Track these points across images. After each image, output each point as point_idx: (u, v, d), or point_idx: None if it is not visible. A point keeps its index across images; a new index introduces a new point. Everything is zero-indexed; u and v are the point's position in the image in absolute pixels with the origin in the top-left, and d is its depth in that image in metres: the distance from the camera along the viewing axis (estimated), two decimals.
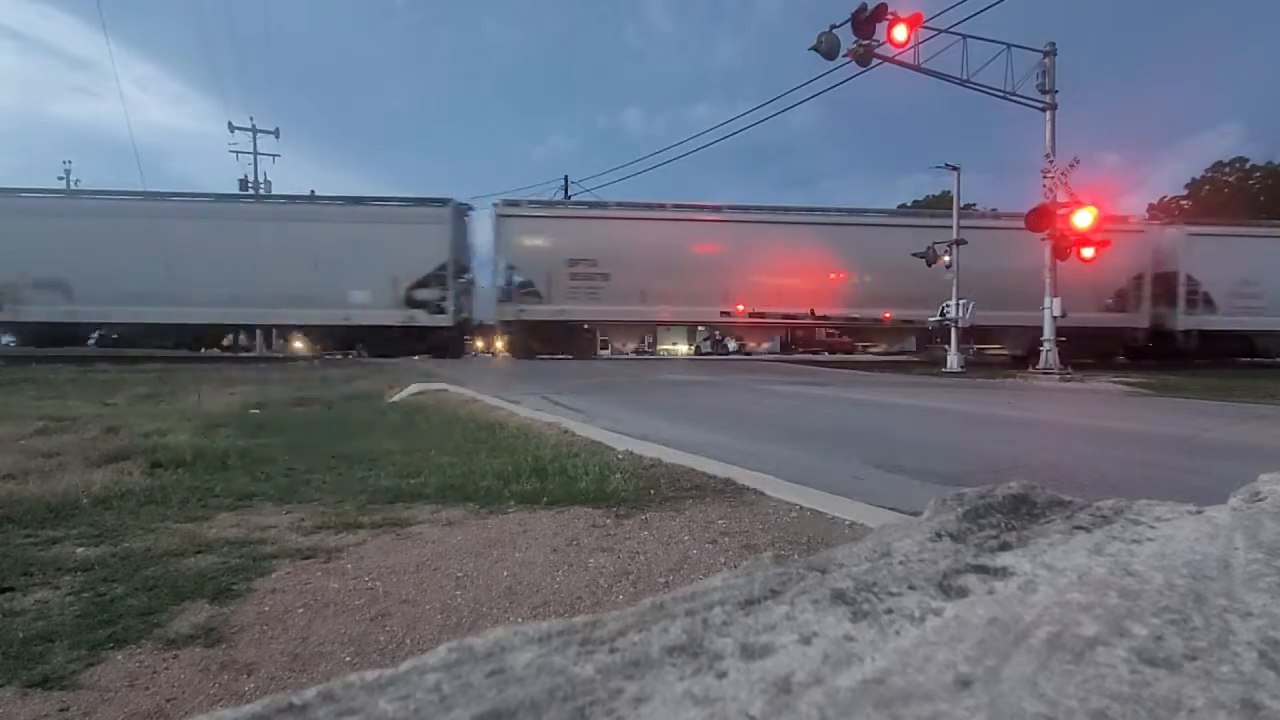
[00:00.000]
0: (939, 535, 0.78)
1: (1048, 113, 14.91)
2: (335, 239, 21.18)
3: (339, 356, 21.93)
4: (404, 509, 3.21)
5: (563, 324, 22.32)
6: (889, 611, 0.59)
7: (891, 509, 2.95)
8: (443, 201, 22.40)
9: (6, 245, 20.05)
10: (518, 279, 22.16)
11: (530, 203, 24.23)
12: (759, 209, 24.14)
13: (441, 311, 21.85)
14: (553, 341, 22.43)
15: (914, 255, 20.04)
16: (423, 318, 21.71)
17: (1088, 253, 14.68)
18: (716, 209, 24.06)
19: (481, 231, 23.30)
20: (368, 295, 21.44)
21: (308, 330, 23.67)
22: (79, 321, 21.98)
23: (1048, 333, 15.06)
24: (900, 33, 13.00)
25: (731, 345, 32.78)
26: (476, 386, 9.22)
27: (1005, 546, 0.76)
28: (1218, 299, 23.87)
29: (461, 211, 22.92)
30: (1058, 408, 8.90)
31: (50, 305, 20.70)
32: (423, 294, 21.81)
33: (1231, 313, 23.93)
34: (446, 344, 22.28)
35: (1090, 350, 21.11)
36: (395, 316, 21.60)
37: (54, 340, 21.94)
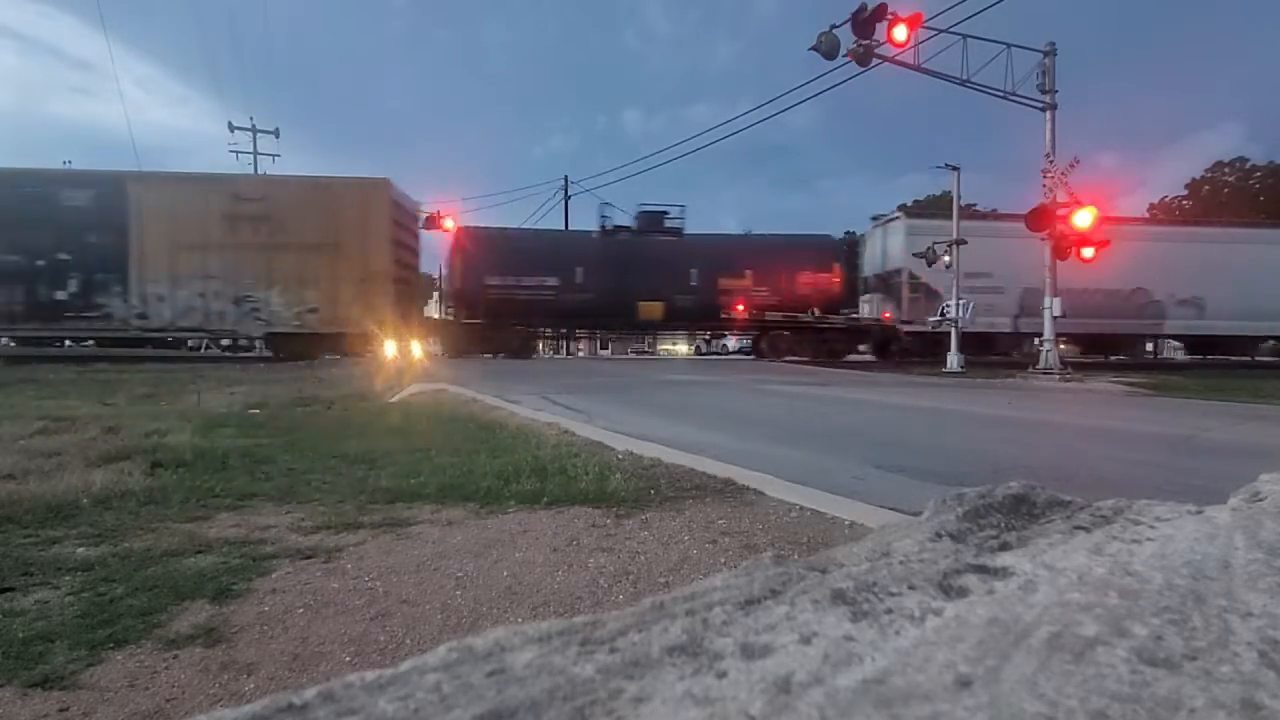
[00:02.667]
0: (939, 535, 0.78)
1: (1048, 113, 14.90)
2: None
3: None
4: (404, 509, 3.21)
5: None
6: (889, 611, 0.59)
7: (891, 509, 2.95)
8: None
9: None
10: None
11: None
12: None
13: None
14: None
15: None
16: None
17: (1088, 252, 14.67)
18: None
19: None
20: None
21: None
22: (1215, 335, 24.54)
23: (1048, 333, 15.06)
24: (900, 33, 12.99)
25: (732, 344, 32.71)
26: (476, 386, 9.22)
27: (1005, 546, 0.76)
28: None
29: None
30: (1057, 408, 8.90)
31: (1188, 320, 23.46)
32: None
33: None
34: None
35: None
36: None
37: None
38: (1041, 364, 14.97)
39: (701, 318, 22.83)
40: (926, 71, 14.12)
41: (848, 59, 13.39)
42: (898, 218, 23.29)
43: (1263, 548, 0.72)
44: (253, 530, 2.89)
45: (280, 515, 3.12)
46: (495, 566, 2.47)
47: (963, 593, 0.64)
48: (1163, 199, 47.29)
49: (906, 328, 21.60)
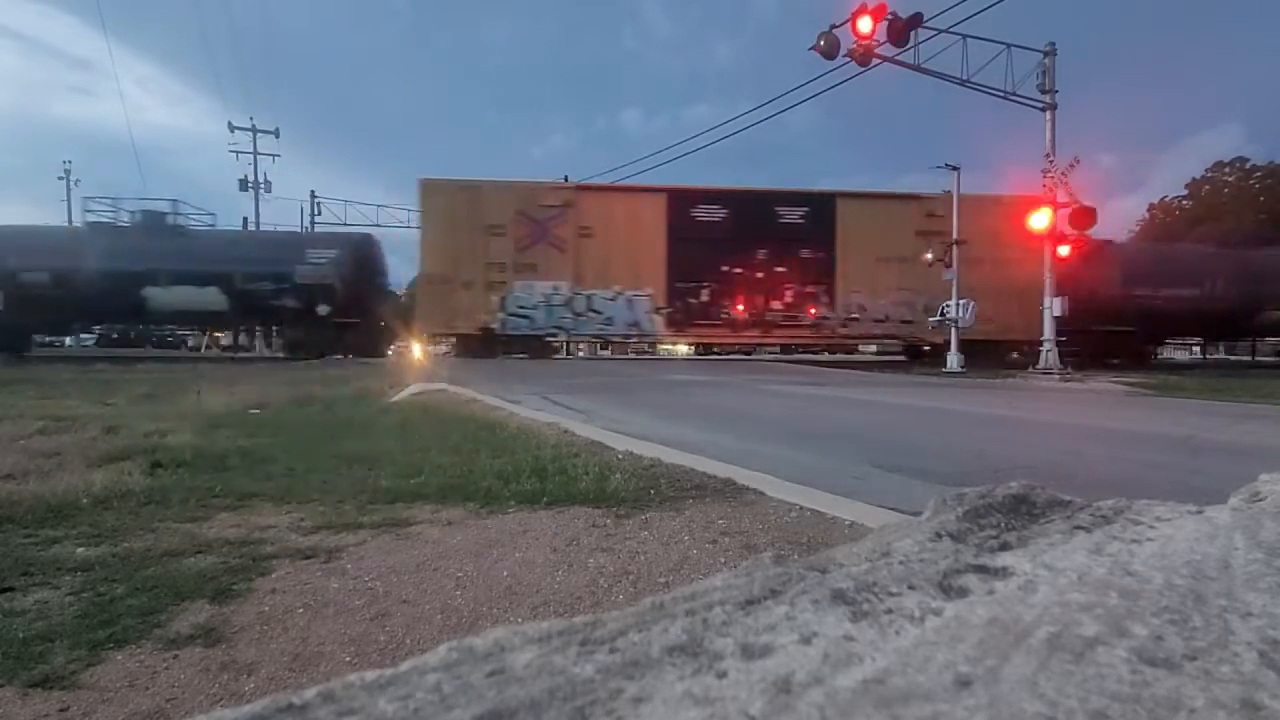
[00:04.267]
0: (939, 535, 0.78)
1: (1048, 113, 14.91)
2: None
3: None
4: (404, 509, 3.21)
5: None
6: (889, 611, 0.59)
7: (891, 509, 2.95)
8: None
9: None
10: None
11: None
12: None
13: None
14: None
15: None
16: None
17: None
18: None
19: None
20: None
21: None
22: None
23: (1048, 333, 15.06)
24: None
25: None
26: (476, 386, 9.22)
27: (1005, 546, 0.76)
28: None
29: None
30: (1057, 408, 8.90)
31: None
32: None
33: None
34: None
35: None
36: None
37: None
38: (1042, 364, 14.98)
39: None
40: (926, 71, 14.13)
41: (848, 59, 13.40)
42: None
43: (1263, 548, 0.72)
44: (253, 530, 2.89)
45: (280, 515, 3.12)
46: (495, 566, 2.47)
47: (963, 593, 0.64)
48: (1163, 199, 47.32)
49: None
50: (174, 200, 21.98)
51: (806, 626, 0.56)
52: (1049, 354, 14.95)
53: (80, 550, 2.60)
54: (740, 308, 21.51)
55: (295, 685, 1.67)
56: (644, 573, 2.39)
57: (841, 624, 0.57)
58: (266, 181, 34.41)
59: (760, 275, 21.44)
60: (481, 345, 20.77)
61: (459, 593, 2.24)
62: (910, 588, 0.64)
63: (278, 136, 34.95)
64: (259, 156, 34.24)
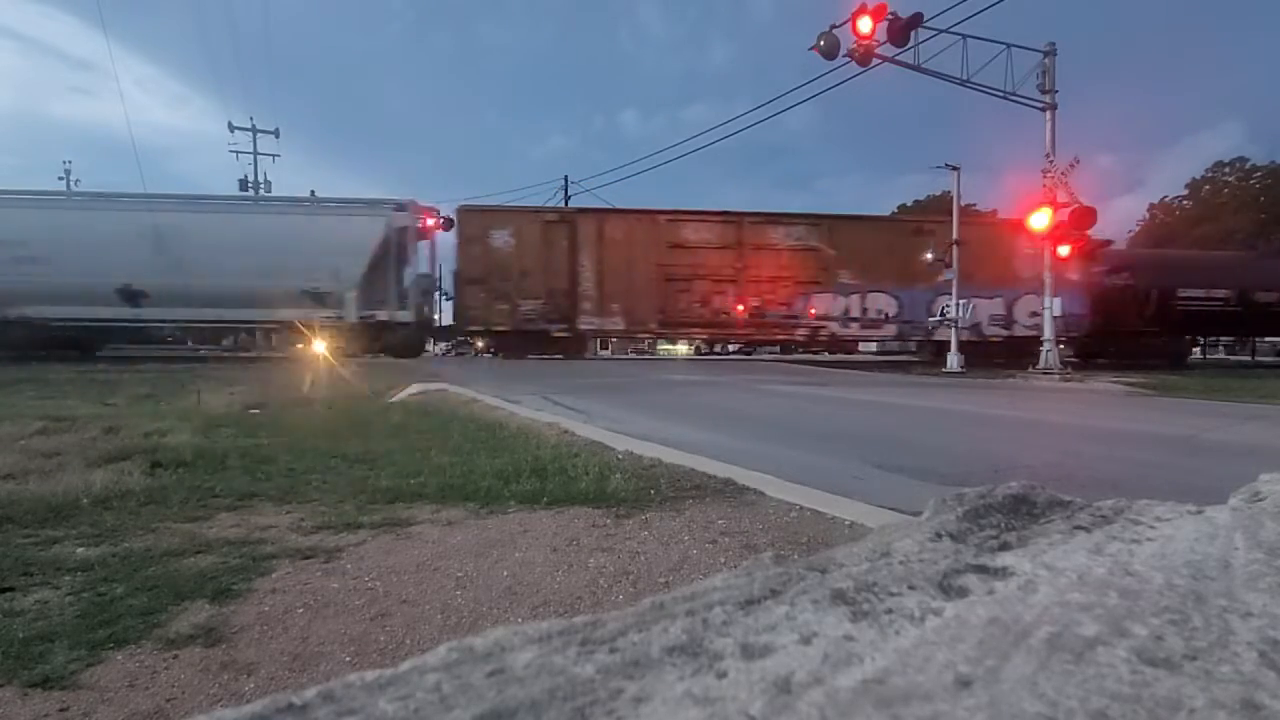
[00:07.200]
0: (939, 535, 0.78)
1: (1048, 113, 14.91)
2: None
3: None
4: (404, 509, 3.21)
5: None
6: (889, 611, 0.59)
7: (891, 509, 2.95)
8: None
9: None
10: None
11: None
12: None
13: None
14: None
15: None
16: None
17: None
18: None
19: None
20: None
21: None
22: None
23: (1048, 333, 15.06)
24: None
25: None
26: (477, 386, 9.21)
27: (1005, 546, 0.76)
28: None
29: None
30: (1058, 408, 8.89)
31: None
32: None
33: None
34: None
35: None
36: None
37: None
38: (1042, 364, 14.97)
39: None
40: (926, 71, 14.13)
41: (847, 59, 13.41)
42: None
43: (1263, 548, 0.72)
44: (253, 530, 2.89)
45: (280, 515, 3.12)
46: (495, 567, 2.47)
47: (963, 593, 0.64)
48: (1163, 199, 47.36)
49: None
50: None
51: (806, 626, 0.56)
52: (1049, 354, 14.96)
53: (80, 550, 2.59)
54: None
55: (295, 685, 1.67)
56: (644, 573, 2.39)
57: (841, 624, 0.57)
58: (266, 181, 34.41)
59: None
60: None
61: (459, 593, 2.24)
62: (910, 588, 0.64)
63: (278, 136, 34.95)
64: (259, 156, 34.25)
